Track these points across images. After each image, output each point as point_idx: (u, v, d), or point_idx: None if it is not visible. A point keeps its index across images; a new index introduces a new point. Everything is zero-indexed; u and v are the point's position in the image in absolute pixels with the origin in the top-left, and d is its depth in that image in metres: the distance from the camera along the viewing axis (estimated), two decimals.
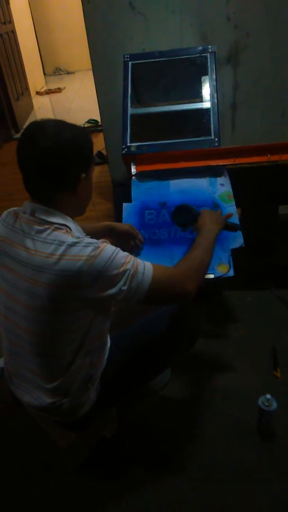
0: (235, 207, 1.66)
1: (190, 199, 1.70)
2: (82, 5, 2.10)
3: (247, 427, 1.43)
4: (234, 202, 1.67)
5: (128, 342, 1.27)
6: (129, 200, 1.72)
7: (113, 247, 1.00)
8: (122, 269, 0.97)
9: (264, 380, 1.59)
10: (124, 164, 1.86)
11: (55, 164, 0.98)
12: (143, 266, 1.01)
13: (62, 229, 1.01)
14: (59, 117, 1.08)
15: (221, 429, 1.45)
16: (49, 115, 5.39)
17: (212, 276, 1.56)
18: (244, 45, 2.10)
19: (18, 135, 4.61)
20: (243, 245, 1.54)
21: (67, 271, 0.94)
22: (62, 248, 0.96)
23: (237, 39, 2.09)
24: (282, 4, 2.01)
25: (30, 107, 5.39)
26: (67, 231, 1.01)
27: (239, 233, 1.60)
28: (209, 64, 1.90)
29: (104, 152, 3.30)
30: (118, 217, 1.73)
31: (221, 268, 1.55)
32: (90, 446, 1.35)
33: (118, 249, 1.00)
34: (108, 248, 0.98)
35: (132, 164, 1.80)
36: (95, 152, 3.64)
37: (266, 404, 1.35)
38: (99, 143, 3.60)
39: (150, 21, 2.09)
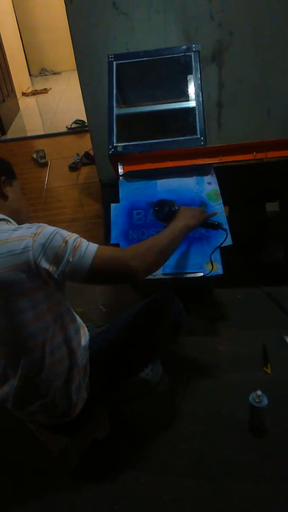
0: (222, 205, 1.67)
1: (177, 199, 1.71)
2: (65, 5, 2.10)
3: (239, 424, 1.43)
4: (221, 201, 1.68)
5: (113, 334, 1.30)
6: (117, 200, 1.72)
7: (55, 227, 1.03)
8: (66, 240, 1.00)
9: (254, 377, 1.60)
10: (111, 164, 1.86)
11: None
12: (88, 243, 1.04)
13: (1, 222, 1.06)
14: (46, 118, 1.15)
15: (213, 426, 1.45)
16: (36, 116, 5.35)
17: (201, 274, 1.57)
18: (228, 44, 2.11)
19: (4, 137, 4.58)
20: (231, 243, 1.55)
21: (14, 251, 0.96)
22: (6, 234, 0.99)
23: (221, 37, 2.10)
24: (265, 2, 2.02)
25: (16, 108, 5.35)
26: (7, 223, 1.07)
27: (227, 231, 1.61)
28: (193, 63, 1.90)
29: (91, 152, 3.29)
30: (107, 218, 1.72)
31: (210, 267, 1.56)
32: (83, 449, 1.35)
33: (61, 228, 1.03)
34: (50, 227, 1.02)
35: (119, 164, 1.80)
36: (82, 152, 3.64)
37: (257, 400, 1.36)
38: (86, 143, 3.60)
39: (134, 21, 2.09)
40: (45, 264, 0.97)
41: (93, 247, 1.03)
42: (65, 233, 1.02)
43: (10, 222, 1.09)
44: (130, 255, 1.07)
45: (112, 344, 1.27)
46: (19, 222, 1.14)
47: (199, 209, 1.40)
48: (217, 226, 1.44)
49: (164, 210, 1.40)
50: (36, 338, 1.06)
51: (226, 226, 1.52)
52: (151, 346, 1.33)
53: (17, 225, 1.07)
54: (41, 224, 1.02)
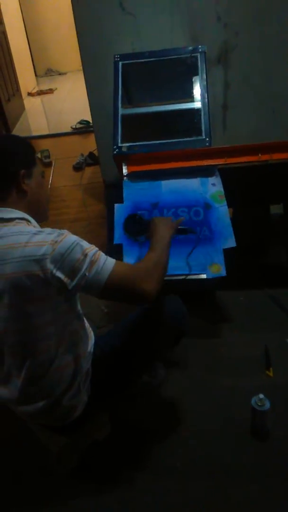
0: (226, 206, 1.66)
1: (181, 199, 1.70)
2: (72, 5, 2.10)
3: (240, 427, 1.42)
4: (225, 202, 1.67)
5: (114, 340, 1.28)
6: (121, 200, 1.72)
7: (76, 236, 1.01)
8: (85, 252, 0.98)
9: (257, 380, 1.59)
10: (116, 164, 1.86)
11: None
12: (105, 258, 1.02)
13: (22, 222, 1.04)
14: (51, 118, 1.13)
15: (215, 429, 1.44)
16: (41, 116, 5.36)
17: (204, 276, 1.56)
18: (234, 45, 2.10)
19: None
20: (235, 245, 1.54)
21: (32, 256, 0.95)
22: (27, 236, 0.97)
23: (227, 38, 2.09)
24: (270, 3, 2.01)
25: (22, 108, 5.36)
26: (27, 224, 1.05)
27: (231, 233, 1.61)
28: (199, 64, 1.90)
29: (95, 153, 3.29)
30: (110, 218, 1.72)
31: (214, 269, 1.55)
32: (82, 449, 1.34)
33: (81, 239, 1.01)
34: (71, 236, 1.00)
35: (123, 164, 1.79)
36: (87, 153, 3.64)
37: (259, 404, 1.35)
38: (90, 144, 3.60)
39: (140, 21, 2.08)
40: (60, 275, 0.96)
41: (110, 263, 1.01)
42: (86, 244, 1.00)
43: (30, 222, 1.07)
44: (143, 276, 1.05)
45: (114, 348, 1.26)
46: (37, 215, 1.12)
47: (169, 218, 1.38)
48: (187, 231, 1.44)
49: (136, 224, 1.41)
50: (44, 342, 1.05)
51: (197, 229, 1.57)
52: (152, 351, 1.32)
53: (38, 228, 1.05)
54: (63, 231, 1.00)
